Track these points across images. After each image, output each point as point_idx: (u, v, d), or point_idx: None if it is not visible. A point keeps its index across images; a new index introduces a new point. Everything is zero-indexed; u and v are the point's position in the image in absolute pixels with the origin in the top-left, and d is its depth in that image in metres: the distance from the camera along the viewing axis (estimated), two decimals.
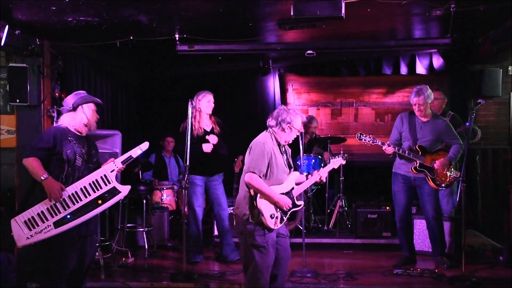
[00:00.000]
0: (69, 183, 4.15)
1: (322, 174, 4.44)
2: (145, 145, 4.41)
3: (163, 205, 7.26)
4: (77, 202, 4.12)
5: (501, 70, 7.71)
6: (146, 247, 6.50)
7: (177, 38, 6.15)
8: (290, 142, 4.36)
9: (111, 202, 4.24)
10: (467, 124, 5.33)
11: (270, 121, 4.27)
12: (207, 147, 5.89)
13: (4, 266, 5.21)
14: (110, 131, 5.99)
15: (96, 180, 4.21)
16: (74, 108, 4.28)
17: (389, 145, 5.59)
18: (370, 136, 5.58)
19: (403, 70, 8.04)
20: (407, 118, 5.82)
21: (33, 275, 5.37)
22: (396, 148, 5.61)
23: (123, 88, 8.12)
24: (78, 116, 4.29)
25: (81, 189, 4.15)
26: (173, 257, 6.51)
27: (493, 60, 7.68)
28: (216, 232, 6.71)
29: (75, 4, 4.93)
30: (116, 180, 4.35)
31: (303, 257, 5.57)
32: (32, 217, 4.04)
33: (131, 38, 6.15)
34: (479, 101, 5.55)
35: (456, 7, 5.16)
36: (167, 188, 7.45)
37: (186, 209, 5.89)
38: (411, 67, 8.00)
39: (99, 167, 4.37)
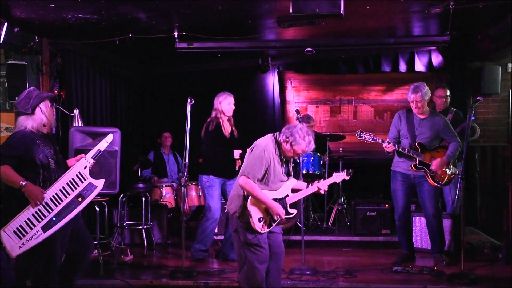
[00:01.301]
0: (47, 187, 4.12)
1: (321, 186, 4.38)
2: (109, 137, 4.41)
3: (162, 202, 7.26)
4: (59, 203, 4.10)
5: (500, 67, 7.71)
6: (145, 244, 6.51)
7: (176, 36, 6.14)
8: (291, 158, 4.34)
9: (90, 198, 4.25)
10: (470, 120, 5.31)
11: (282, 132, 4.21)
12: (237, 154, 5.92)
13: (3, 264, 5.21)
14: (109, 128, 5.96)
15: (73, 179, 4.18)
16: (33, 110, 4.16)
17: (389, 143, 5.59)
18: (370, 133, 5.57)
19: (402, 67, 8.04)
20: (405, 115, 5.82)
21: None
22: (396, 146, 5.61)
23: (122, 85, 8.12)
24: (37, 118, 4.17)
25: (60, 190, 4.12)
26: (172, 254, 6.51)
27: (492, 58, 7.67)
28: (215, 230, 6.70)
29: (74, 1, 4.93)
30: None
31: (302, 254, 5.57)
32: (21, 226, 4.00)
33: (130, 35, 6.14)
34: (478, 98, 5.54)
35: (455, 4, 5.15)
36: (166, 186, 7.45)
37: (186, 207, 5.89)
38: (410, 64, 8.00)
39: (65, 164, 4.32)
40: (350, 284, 5.16)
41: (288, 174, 4.34)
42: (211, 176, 5.86)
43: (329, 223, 7.33)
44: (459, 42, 6.83)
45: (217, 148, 5.81)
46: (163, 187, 7.40)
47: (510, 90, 7.78)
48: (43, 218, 4.04)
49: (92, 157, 4.27)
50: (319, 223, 7.40)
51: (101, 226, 5.94)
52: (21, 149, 4.03)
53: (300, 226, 5.87)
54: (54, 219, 4.06)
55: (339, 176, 4.58)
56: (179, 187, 7.49)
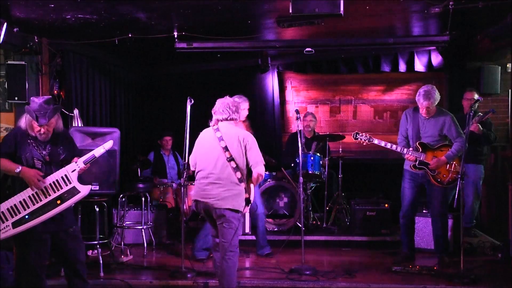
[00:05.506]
0: None
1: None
2: (108, 144, 4.33)
3: (162, 202, 7.26)
4: (37, 202, 4.09)
5: (500, 67, 7.71)
6: (145, 245, 6.51)
7: (175, 36, 6.15)
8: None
9: (69, 202, 4.17)
10: (470, 119, 5.25)
11: (232, 115, 4.40)
12: None
13: (3, 264, 5.21)
14: (109, 128, 5.98)
15: (57, 180, 4.16)
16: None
17: (391, 145, 5.63)
18: (366, 134, 5.60)
19: (402, 67, 8.04)
20: (411, 114, 5.82)
21: None
22: (399, 148, 5.65)
23: (122, 85, 8.11)
24: (22, 123, 4.22)
25: (41, 189, 4.12)
26: (172, 254, 6.50)
27: (492, 57, 7.67)
28: None
29: (73, 1, 4.93)
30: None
31: (302, 254, 5.56)
32: None
33: (130, 35, 6.14)
34: (477, 98, 5.54)
35: (454, 4, 5.16)
36: (166, 186, 7.45)
37: (185, 207, 5.89)
38: (410, 64, 8.00)
39: (68, 164, 4.28)
40: (350, 284, 5.16)
41: None
42: None
43: (329, 223, 7.33)
44: (459, 42, 6.83)
45: None
46: (163, 187, 7.39)
47: (510, 90, 7.78)
48: (17, 214, 4.05)
49: (84, 162, 4.21)
50: (319, 223, 7.40)
51: (101, 226, 5.93)
52: (12, 146, 4.14)
53: (300, 226, 5.87)
54: (26, 217, 4.05)
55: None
56: (178, 187, 7.50)
